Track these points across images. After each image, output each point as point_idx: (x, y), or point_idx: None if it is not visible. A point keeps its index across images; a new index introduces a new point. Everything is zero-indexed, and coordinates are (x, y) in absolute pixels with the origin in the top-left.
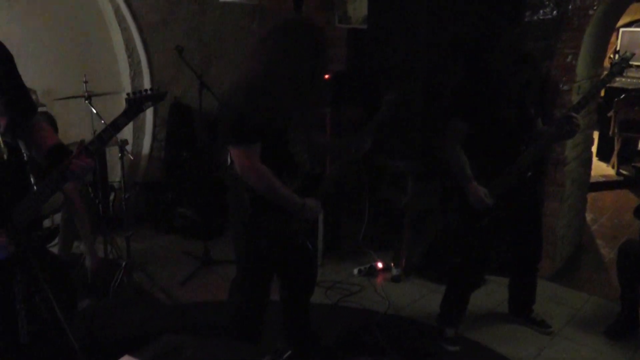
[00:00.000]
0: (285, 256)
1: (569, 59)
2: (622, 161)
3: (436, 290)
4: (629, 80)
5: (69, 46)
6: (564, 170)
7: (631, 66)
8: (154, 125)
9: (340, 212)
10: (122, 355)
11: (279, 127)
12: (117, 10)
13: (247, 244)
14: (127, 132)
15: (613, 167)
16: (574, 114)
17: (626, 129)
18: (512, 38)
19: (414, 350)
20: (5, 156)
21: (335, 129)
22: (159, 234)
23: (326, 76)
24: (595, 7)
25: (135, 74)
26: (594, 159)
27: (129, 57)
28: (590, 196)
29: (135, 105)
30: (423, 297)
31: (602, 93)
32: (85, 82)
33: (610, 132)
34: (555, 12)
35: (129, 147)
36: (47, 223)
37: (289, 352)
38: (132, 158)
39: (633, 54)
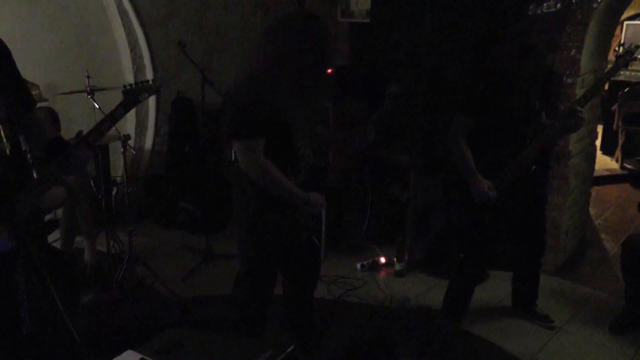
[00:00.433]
0: (290, 251)
1: (573, 53)
2: (626, 155)
3: (439, 285)
4: (633, 73)
5: (72, 41)
6: (567, 164)
7: (635, 59)
8: (157, 120)
9: (343, 207)
10: (124, 349)
11: (283, 121)
12: (119, 5)
13: (251, 238)
14: (129, 127)
15: (617, 161)
16: (578, 108)
17: (630, 122)
18: (516, 32)
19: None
20: (7, 151)
21: (338, 123)
22: (161, 229)
23: (329, 70)
24: (599, 1)
25: (138, 69)
26: (598, 152)
27: (131, 52)
28: (594, 190)
29: (132, 96)
30: (426, 292)
31: (606, 86)
32: (88, 77)
33: (615, 126)
34: (559, 5)
35: (131, 142)
36: (49, 219)
37: (292, 347)
38: (134, 153)
39: (637, 47)
